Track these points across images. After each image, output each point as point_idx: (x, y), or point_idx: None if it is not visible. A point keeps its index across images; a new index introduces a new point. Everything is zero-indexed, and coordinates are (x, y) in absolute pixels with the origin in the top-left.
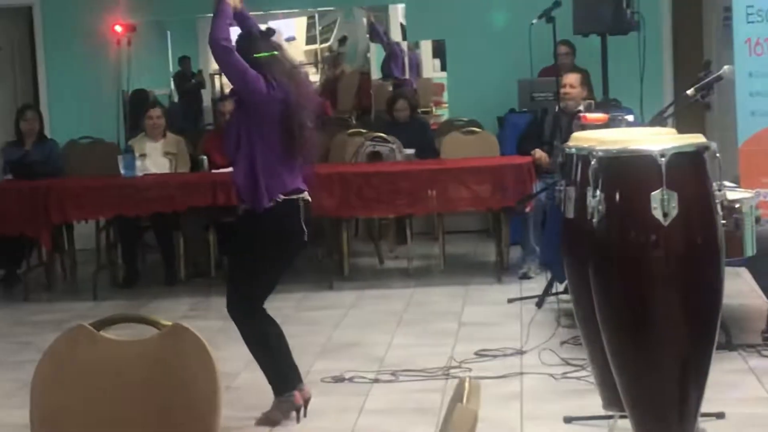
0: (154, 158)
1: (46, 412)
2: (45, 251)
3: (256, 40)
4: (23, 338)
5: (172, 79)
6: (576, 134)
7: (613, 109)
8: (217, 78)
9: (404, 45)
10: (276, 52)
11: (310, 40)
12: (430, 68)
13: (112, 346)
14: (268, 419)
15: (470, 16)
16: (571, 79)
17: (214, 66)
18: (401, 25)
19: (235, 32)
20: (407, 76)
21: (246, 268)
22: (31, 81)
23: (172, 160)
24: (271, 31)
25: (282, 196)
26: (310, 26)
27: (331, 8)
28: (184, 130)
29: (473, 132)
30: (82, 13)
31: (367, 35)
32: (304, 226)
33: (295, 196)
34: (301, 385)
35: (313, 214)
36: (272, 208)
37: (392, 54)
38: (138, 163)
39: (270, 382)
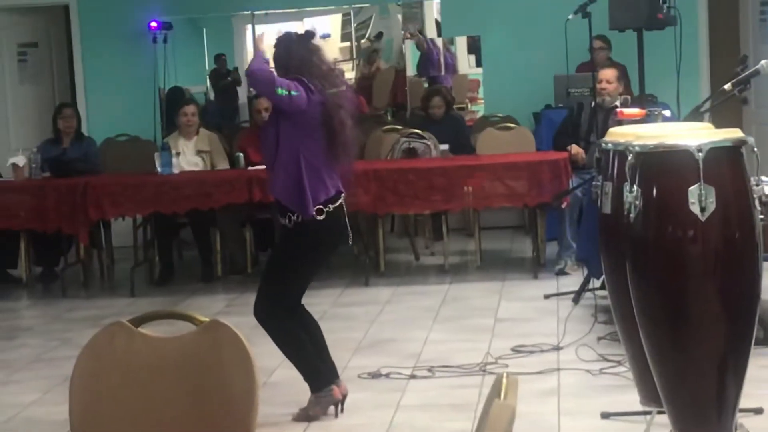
0: (187, 157)
1: (84, 408)
2: (83, 248)
3: (293, 42)
4: (61, 335)
5: (207, 76)
6: (612, 129)
7: (649, 105)
8: None
9: (439, 41)
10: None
11: (345, 36)
12: (466, 64)
13: (150, 342)
14: (306, 415)
15: (506, 11)
16: (608, 74)
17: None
18: (436, 21)
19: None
20: (443, 73)
21: (285, 272)
22: (68, 79)
23: (205, 158)
24: (309, 33)
25: (331, 206)
26: (345, 23)
27: (366, 5)
28: (220, 127)
29: (509, 128)
30: (119, 11)
31: (402, 32)
32: (349, 229)
33: (339, 201)
34: (338, 381)
35: (348, 210)
36: (323, 220)
37: (429, 56)
38: (174, 160)
39: (306, 380)
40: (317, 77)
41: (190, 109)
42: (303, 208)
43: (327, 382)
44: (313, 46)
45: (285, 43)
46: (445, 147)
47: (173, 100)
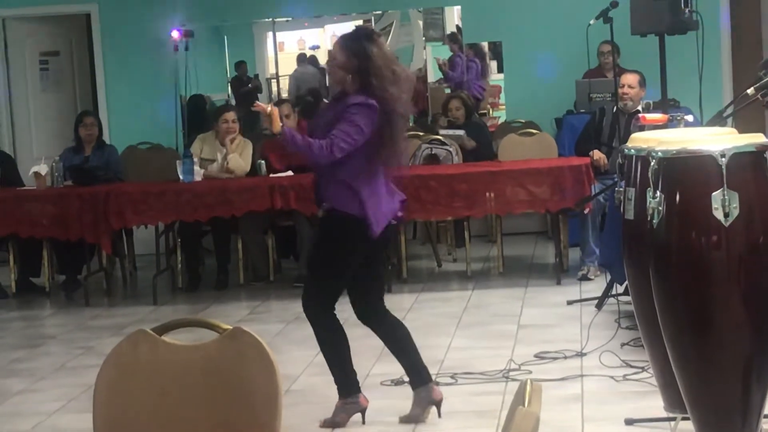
0: (230, 163)
1: (108, 417)
2: (105, 256)
3: (362, 45)
4: (84, 343)
5: (228, 83)
6: (635, 135)
7: (671, 109)
8: (273, 82)
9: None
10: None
11: None
12: (487, 70)
13: (173, 350)
14: (333, 422)
15: (527, 17)
16: (630, 79)
17: (271, 70)
18: (457, 27)
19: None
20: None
21: (330, 263)
22: (90, 87)
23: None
24: (373, 31)
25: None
26: None
27: (388, 11)
28: (242, 134)
29: (531, 134)
30: (140, 20)
31: (423, 38)
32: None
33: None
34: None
35: None
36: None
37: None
38: (196, 168)
39: (336, 383)
40: (382, 80)
41: (231, 115)
42: (367, 221)
43: (356, 389)
44: (376, 45)
45: (358, 42)
46: (461, 132)
47: (195, 108)
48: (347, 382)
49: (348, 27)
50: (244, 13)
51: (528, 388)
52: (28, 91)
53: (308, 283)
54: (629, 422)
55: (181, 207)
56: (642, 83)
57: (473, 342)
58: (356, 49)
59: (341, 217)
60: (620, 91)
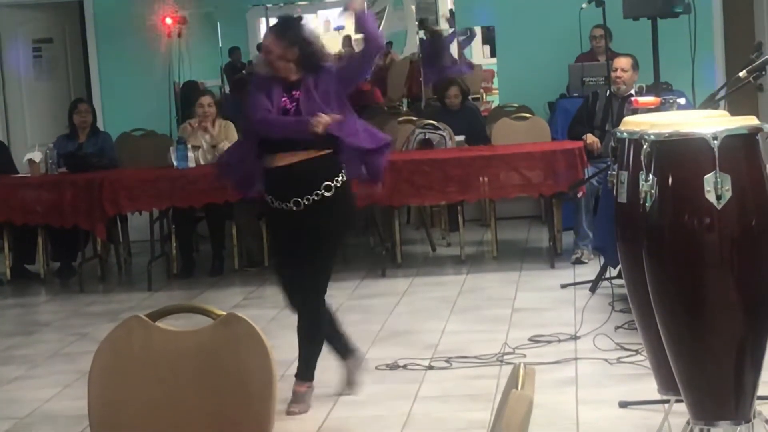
0: (205, 149)
1: (103, 402)
2: (100, 243)
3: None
4: (79, 329)
5: (222, 70)
6: (627, 118)
7: (664, 93)
8: None
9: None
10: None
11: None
12: (480, 54)
13: (167, 336)
14: (351, 382)
15: (520, 1)
16: (622, 63)
17: None
18: (450, 11)
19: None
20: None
21: (332, 249)
22: (84, 74)
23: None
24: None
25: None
26: None
27: None
28: (235, 120)
29: (524, 118)
30: (133, 6)
31: (416, 23)
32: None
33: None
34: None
35: (364, 202)
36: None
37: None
38: (190, 154)
39: (346, 354)
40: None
41: (206, 99)
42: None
43: (354, 347)
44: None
45: (292, 30)
46: (461, 138)
47: (188, 94)
48: (347, 346)
49: (339, 12)
50: (237, 0)
51: (521, 371)
52: (22, 78)
53: (313, 278)
54: (623, 405)
55: (176, 193)
56: (635, 67)
57: (467, 326)
58: (292, 37)
59: (343, 192)
60: (613, 74)
